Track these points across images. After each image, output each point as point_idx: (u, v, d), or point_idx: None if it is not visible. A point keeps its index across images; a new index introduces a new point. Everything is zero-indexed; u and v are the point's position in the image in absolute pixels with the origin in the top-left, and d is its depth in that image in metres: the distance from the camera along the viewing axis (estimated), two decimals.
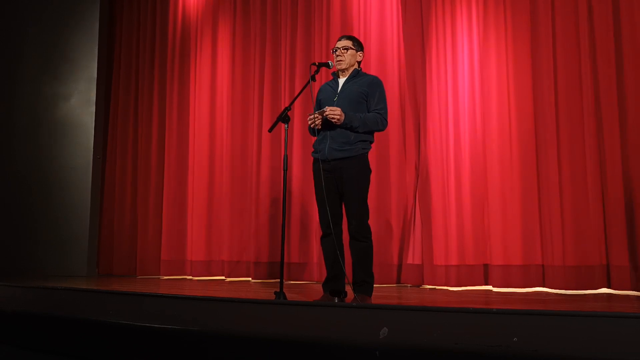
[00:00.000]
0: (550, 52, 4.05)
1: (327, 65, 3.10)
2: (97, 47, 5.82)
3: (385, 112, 3.04)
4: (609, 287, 3.72)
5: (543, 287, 3.93)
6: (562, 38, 4.03)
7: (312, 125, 3.00)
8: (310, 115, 2.99)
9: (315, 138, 3.09)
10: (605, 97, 3.84)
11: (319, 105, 3.14)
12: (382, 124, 3.02)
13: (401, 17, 4.67)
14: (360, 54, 3.14)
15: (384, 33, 4.72)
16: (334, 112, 2.90)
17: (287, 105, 3.38)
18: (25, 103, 5.86)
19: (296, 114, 4.87)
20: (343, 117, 2.91)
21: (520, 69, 4.16)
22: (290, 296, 2.96)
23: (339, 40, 3.14)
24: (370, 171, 3.03)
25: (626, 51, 3.81)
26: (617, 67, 3.83)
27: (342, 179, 2.95)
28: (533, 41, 4.14)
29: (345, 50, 3.08)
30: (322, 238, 3.03)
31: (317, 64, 3.10)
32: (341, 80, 3.12)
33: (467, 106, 4.33)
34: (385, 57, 4.67)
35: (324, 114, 2.93)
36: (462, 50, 4.40)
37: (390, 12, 4.74)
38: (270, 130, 3.08)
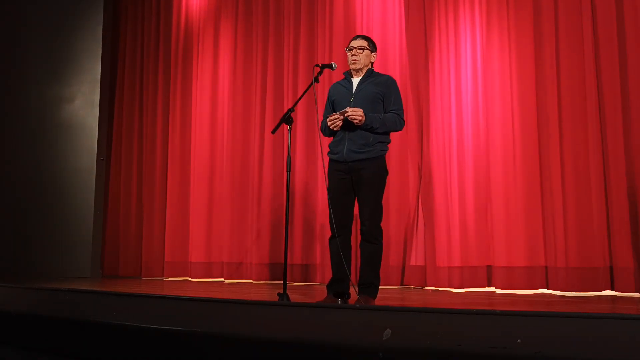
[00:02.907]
0: (554, 53, 4.04)
1: (330, 66, 3.09)
2: (100, 50, 5.85)
3: (402, 112, 3.02)
4: (612, 289, 3.71)
5: (546, 289, 3.92)
6: (566, 38, 4.02)
7: (332, 128, 2.96)
8: (330, 116, 2.94)
9: (328, 138, 3.07)
10: (609, 98, 3.84)
11: (333, 106, 3.10)
12: (400, 124, 3.01)
13: (404, 19, 4.68)
14: (374, 55, 3.12)
15: (387, 34, 4.72)
16: (356, 113, 2.86)
17: (290, 106, 3.39)
18: (29, 105, 5.88)
19: (299, 116, 4.87)
20: (364, 119, 2.89)
21: (523, 70, 4.16)
22: (294, 297, 2.96)
23: (354, 39, 3.11)
24: (387, 173, 3.01)
25: (630, 52, 3.80)
26: (620, 68, 3.82)
27: (359, 180, 2.93)
28: (536, 42, 4.14)
29: (361, 50, 3.06)
30: (331, 238, 3.02)
31: (320, 65, 3.08)
32: (355, 80, 3.08)
33: (470, 107, 4.32)
34: (387, 58, 4.67)
35: (346, 115, 2.89)
36: (465, 51, 4.40)
37: (393, 13, 4.75)
38: (273, 132, 3.08)
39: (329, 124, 2.96)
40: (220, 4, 5.63)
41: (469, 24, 4.42)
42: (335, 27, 4.86)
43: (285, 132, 4.65)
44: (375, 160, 2.93)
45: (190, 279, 5.31)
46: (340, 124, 2.93)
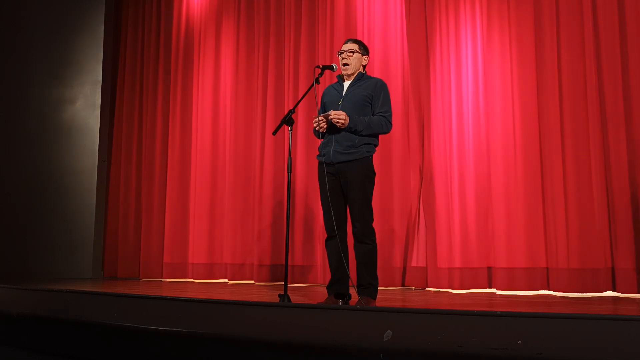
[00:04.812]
0: (555, 53, 4.04)
1: (331, 68, 3.10)
2: (102, 51, 5.86)
3: (390, 115, 3.05)
4: (614, 290, 3.71)
5: (547, 290, 3.92)
6: (566, 38, 4.02)
7: (317, 129, 3.01)
8: (316, 118, 3.00)
9: (321, 140, 3.09)
10: (611, 98, 3.84)
11: (324, 108, 3.15)
12: (386, 127, 3.03)
13: (405, 20, 4.68)
14: (366, 58, 3.15)
15: (388, 35, 4.73)
16: (339, 116, 2.91)
17: (290, 107, 3.40)
18: (31, 107, 5.89)
19: (300, 117, 4.87)
20: (348, 121, 2.92)
21: (524, 71, 4.16)
22: (295, 299, 2.97)
23: (345, 43, 3.14)
24: (374, 174, 3.04)
25: (631, 52, 3.80)
26: (622, 68, 3.82)
27: (347, 182, 2.96)
28: (537, 42, 4.14)
29: (352, 54, 3.09)
30: (327, 240, 3.04)
31: (321, 66, 3.10)
32: (346, 84, 3.13)
33: (471, 108, 4.32)
34: (389, 60, 4.68)
35: (329, 118, 2.94)
36: (466, 53, 4.40)
37: (394, 15, 4.75)
38: (274, 133, 3.09)
39: (313, 125, 3.01)
40: (222, 5, 5.64)
41: (469, 24, 4.42)
42: (336, 28, 4.86)
43: (287, 133, 4.65)
44: (361, 161, 2.96)
45: (189, 280, 5.32)
46: (324, 126, 2.96)
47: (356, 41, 3.15)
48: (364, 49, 3.14)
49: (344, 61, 3.09)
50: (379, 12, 4.78)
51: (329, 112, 2.94)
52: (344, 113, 2.92)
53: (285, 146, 5.01)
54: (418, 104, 4.56)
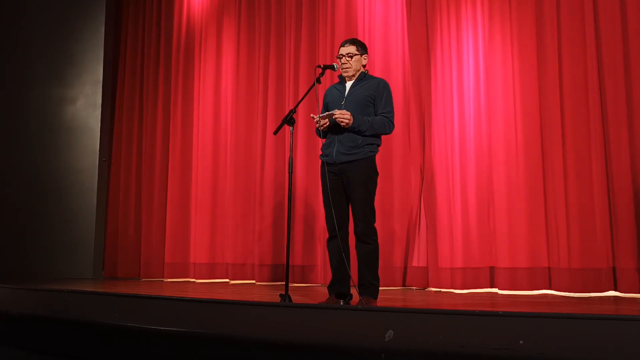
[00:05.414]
0: (556, 53, 4.04)
1: (332, 67, 3.11)
2: (102, 51, 5.86)
3: (392, 115, 3.05)
4: (615, 289, 3.70)
5: (549, 289, 3.92)
6: (568, 37, 4.02)
7: (318, 127, 3.00)
8: (316, 117, 2.99)
9: (322, 140, 3.09)
10: (612, 98, 3.83)
11: (326, 108, 3.15)
12: (389, 127, 3.03)
13: (406, 20, 4.68)
14: (365, 57, 3.15)
15: (389, 35, 4.73)
16: (344, 116, 2.91)
17: (291, 107, 3.39)
18: (32, 107, 5.90)
19: (301, 117, 4.87)
20: (352, 121, 2.92)
21: (525, 71, 4.15)
22: (296, 299, 2.96)
23: (342, 45, 3.13)
24: (377, 174, 3.04)
25: (633, 52, 3.80)
26: (624, 67, 3.82)
27: (349, 181, 2.96)
28: (539, 42, 4.13)
29: (350, 57, 3.09)
30: (328, 240, 3.04)
31: (322, 66, 3.11)
32: (348, 84, 3.13)
33: (473, 107, 4.32)
34: (390, 59, 4.67)
35: (333, 117, 2.93)
36: (467, 52, 4.40)
37: (395, 14, 4.75)
38: (275, 133, 3.09)
39: (314, 122, 3.01)
40: (222, 4, 5.63)
41: (470, 23, 4.42)
42: (337, 28, 4.86)
43: (287, 133, 4.65)
44: (364, 161, 2.96)
45: (190, 280, 5.31)
46: (325, 125, 2.96)
47: (353, 42, 3.14)
48: (362, 48, 3.13)
49: (344, 66, 3.09)
50: (379, 11, 4.77)
51: (334, 111, 2.94)
52: (349, 113, 2.92)
53: (286, 146, 5.01)
54: (419, 104, 4.56)
